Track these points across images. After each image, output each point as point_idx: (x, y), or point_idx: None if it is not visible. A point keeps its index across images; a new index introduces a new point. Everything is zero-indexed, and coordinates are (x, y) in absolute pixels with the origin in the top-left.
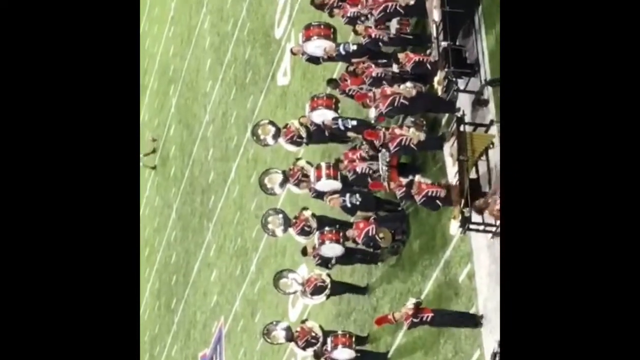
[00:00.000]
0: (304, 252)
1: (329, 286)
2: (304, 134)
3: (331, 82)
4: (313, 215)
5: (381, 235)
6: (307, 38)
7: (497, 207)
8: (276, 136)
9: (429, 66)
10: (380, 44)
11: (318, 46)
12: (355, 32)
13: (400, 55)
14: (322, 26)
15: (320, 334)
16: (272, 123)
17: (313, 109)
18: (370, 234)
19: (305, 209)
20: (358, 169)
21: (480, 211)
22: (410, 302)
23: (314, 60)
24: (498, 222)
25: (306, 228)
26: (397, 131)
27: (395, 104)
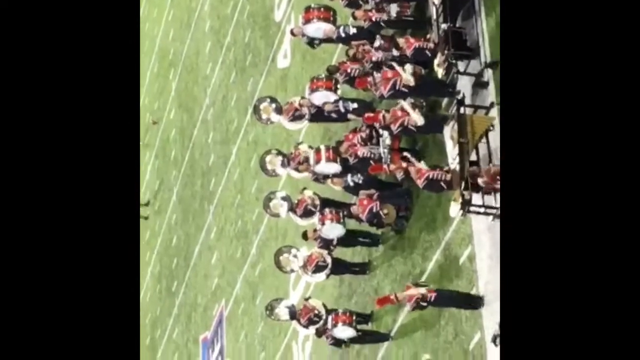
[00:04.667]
0: (305, 236)
1: (330, 265)
2: (306, 110)
3: (331, 68)
4: (314, 193)
5: (385, 211)
6: (307, 20)
7: (491, 172)
8: (278, 112)
9: (428, 53)
10: (383, 24)
11: (318, 28)
12: (354, 17)
13: (400, 40)
14: (322, 9)
15: (323, 311)
16: (273, 100)
17: (313, 90)
18: (374, 210)
19: (305, 189)
20: (359, 153)
21: (474, 177)
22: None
23: (310, 43)
24: (498, 204)
25: (310, 207)
26: (399, 113)
27: (397, 87)
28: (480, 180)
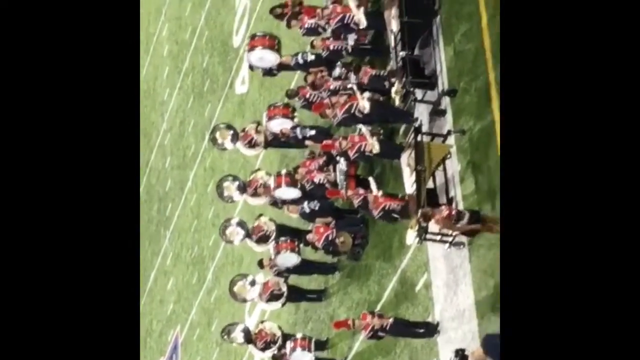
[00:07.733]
0: (261, 264)
1: (285, 294)
2: (261, 137)
3: (290, 92)
4: (270, 219)
5: (341, 239)
6: (251, 48)
7: (443, 215)
8: (234, 139)
9: (385, 80)
10: (344, 52)
11: (261, 57)
12: (312, 46)
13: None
14: (266, 37)
15: (279, 334)
16: (230, 127)
17: (270, 118)
18: (330, 238)
19: (261, 215)
20: (316, 180)
21: (426, 218)
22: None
23: (268, 73)
24: (453, 233)
25: (266, 234)
26: (356, 138)
27: (352, 111)
28: (433, 221)
